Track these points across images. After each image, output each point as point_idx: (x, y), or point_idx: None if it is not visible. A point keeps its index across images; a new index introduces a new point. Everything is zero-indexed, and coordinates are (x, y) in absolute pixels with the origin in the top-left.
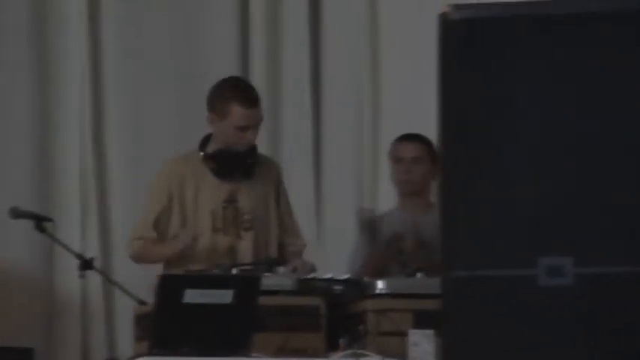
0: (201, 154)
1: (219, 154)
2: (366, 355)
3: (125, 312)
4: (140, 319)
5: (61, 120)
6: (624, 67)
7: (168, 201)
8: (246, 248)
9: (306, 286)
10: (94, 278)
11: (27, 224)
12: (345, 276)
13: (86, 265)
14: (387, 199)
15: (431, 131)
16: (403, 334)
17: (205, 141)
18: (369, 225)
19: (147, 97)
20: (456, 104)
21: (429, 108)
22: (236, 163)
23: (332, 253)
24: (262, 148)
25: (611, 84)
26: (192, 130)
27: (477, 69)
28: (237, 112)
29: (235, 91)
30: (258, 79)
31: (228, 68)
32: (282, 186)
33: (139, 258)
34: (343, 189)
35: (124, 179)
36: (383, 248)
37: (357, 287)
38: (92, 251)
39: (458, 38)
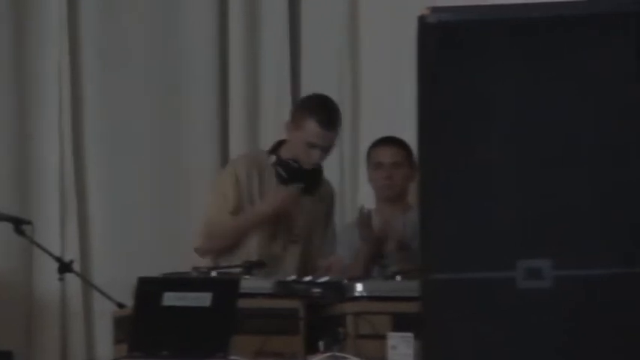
0: (273, 157)
1: (289, 164)
2: (345, 358)
3: (104, 315)
4: (119, 322)
5: (39, 122)
6: (598, 66)
7: (236, 199)
8: (289, 261)
9: (285, 289)
10: (73, 281)
11: (5, 227)
12: (325, 279)
13: (65, 268)
14: (366, 200)
15: (411, 132)
16: (382, 337)
17: (277, 146)
18: (367, 224)
19: (126, 98)
20: (434, 106)
21: (408, 108)
22: (302, 177)
23: None
24: (241, 149)
25: (589, 83)
26: (171, 131)
27: (454, 71)
28: (311, 128)
29: (317, 109)
30: (237, 80)
31: (207, 68)
32: (333, 211)
33: (210, 237)
34: None
35: (103, 182)
36: (373, 247)
37: (336, 290)
38: (71, 254)
39: (435, 40)
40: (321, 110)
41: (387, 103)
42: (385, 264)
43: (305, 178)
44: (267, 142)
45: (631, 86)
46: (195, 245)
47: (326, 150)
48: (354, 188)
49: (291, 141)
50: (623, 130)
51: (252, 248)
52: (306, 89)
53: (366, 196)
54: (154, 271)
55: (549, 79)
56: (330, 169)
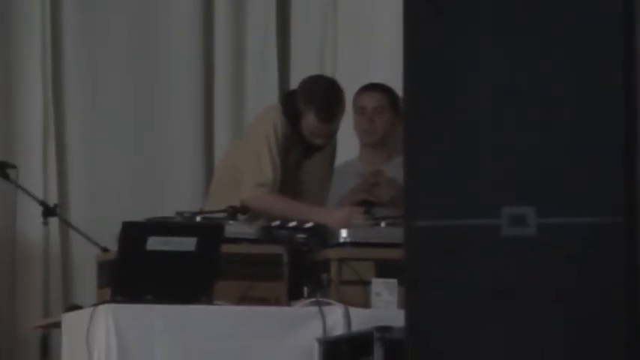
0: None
1: (299, 137)
2: (328, 304)
3: (88, 259)
4: (102, 267)
5: (23, 74)
6: (580, 23)
7: (277, 150)
8: None
9: (269, 235)
10: (53, 226)
11: None
12: (309, 224)
13: (49, 212)
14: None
15: None
16: (366, 284)
17: (288, 99)
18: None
19: (107, 53)
20: (420, 57)
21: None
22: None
23: None
24: (226, 137)
25: (576, 37)
26: (148, 91)
27: (440, 22)
28: (311, 121)
29: (318, 100)
30: (222, 63)
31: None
32: (334, 160)
33: (262, 207)
34: None
35: (84, 127)
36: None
37: (321, 236)
38: (52, 200)
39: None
40: (322, 103)
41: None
42: (373, 212)
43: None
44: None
45: (610, 42)
46: (246, 196)
47: (329, 136)
48: None
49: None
50: (606, 80)
51: None
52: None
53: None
54: (131, 216)
55: (538, 30)
56: None
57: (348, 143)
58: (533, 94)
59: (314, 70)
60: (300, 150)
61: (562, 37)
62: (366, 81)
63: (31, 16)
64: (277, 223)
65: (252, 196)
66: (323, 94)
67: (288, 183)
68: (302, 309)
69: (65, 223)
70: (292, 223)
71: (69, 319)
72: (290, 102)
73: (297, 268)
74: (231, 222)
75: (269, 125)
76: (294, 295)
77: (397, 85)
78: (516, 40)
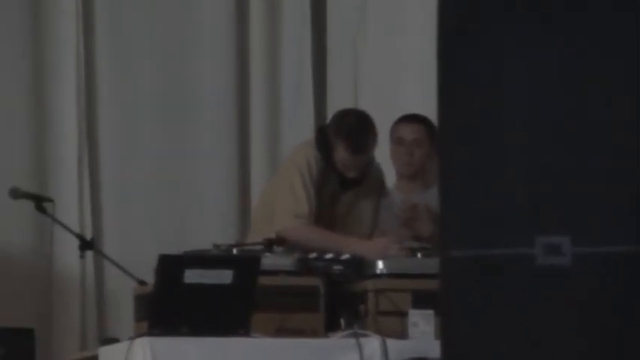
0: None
1: (333, 170)
2: (365, 335)
3: (123, 292)
4: (140, 299)
5: (58, 106)
6: (614, 42)
7: (311, 183)
8: None
9: (306, 266)
10: (89, 259)
11: (26, 205)
12: (346, 256)
13: (86, 245)
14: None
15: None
16: (403, 314)
17: (321, 136)
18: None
19: (139, 91)
20: (454, 81)
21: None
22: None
23: None
24: (264, 136)
25: (619, 56)
26: (184, 121)
27: (475, 44)
28: (341, 154)
29: (347, 134)
30: (257, 71)
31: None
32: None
33: (298, 238)
34: None
35: (117, 164)
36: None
37: (357, 267)
38: (87, 232)
39: (457, 14)
40: (351, 134)
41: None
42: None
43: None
44: (287, 138)
45: None
46: (281, 227)
47: (362, 167)
48: None
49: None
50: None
51: None
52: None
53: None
54: (165, 249)
55: (568, 54)
56: None
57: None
58: (570, 120)
59: (349, 98)
60: (336, 184)
61: (603, 56)
62: (397, 109)
63: (64, 49)
64: (314, 254)
65: (289, 227)
66: (352, 126)
67: (325, 218)
68: (339, 340)
69: (103, 256)
70: (329, 255)
71: (106, 353)
72: (322, 136)
73: (333, 300)
74: (267, 254)
75: (302, 160)
76: (331, 327)
77: (429, 110)
78: (554, 60)
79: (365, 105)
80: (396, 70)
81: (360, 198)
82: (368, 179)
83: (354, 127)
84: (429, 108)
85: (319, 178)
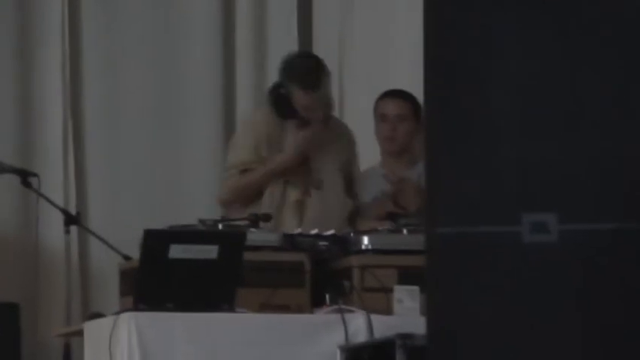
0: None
1: (282, 96)
2: (350, 311)
3: (108, 268)
4: (125, 275)
5: (42, 82)
6: (610, 17)
7: (255, 151)
8: (314, 206)
9: (291, 242)
10: (74, 234)
11: (11, 179)
12: (331, 232)
13: (72, 220)
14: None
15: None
16: (388, 291)
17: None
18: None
19: (127, 62)
20: (441, 56)
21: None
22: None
23: None
24: (249, 105)
25: (603, 40)
26: (170, 97)
27: (464, 20)
28: (299, 95)
29: (298, 75)
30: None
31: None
32: (355, 153)
33: (233, 192)
34: None
35: (103, 137)
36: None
37: (342, 243)
38: (72, 207)
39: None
40: (301, 72)
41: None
42: (400, 223)
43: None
44: None
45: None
46: (220, 197)
47: (324, 104)
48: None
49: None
50: (633, 81)
51: (273, 197)
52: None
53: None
54: (150, 224)
55: (569, 30)
56: None
57: (369, 149)
58: (557, 98)
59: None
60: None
61: (588, 40)
62: (385, 82)
63: (50, 26)
64: (299, 230)
65: (220, 192)
66: (299, 65)
67: (300, 175)
68: (324, 316)
69: (88, 231)
70: (314, 231)
71: (91, 328)
72: (276, 93)
73: (319, 276)
74: (253, 229)
75: (245, 119)
76: (316, 303)
77: (418, 85)
78: (542, 43)
79: (352, 93)
80: (382, 58)
81: (333, 155)
82: (331, 131)
83: (301, 65)
84: (417, 90)
85: (275, 132)
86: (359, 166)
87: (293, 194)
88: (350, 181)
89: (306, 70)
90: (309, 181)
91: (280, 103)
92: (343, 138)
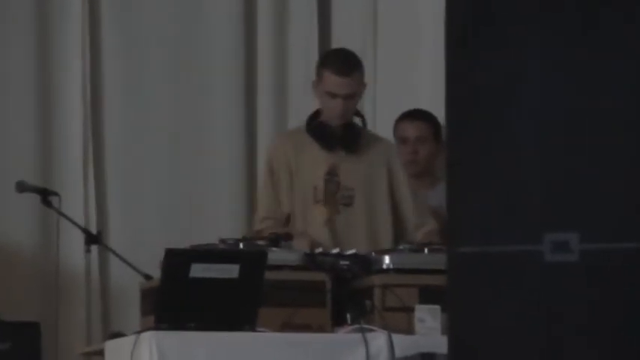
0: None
1: (318, 125)
2: (372, 330)
3: (128, 287)
4: (146, 294)
5: (63, 100)
6: (629, 41)
7: (273, 183)
8: (344, 223)
9: (312, 261)
10: (95, 253)
11: (31, 198)
12: (352, 251)
13: (92, 239)
14: None
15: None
16: (409, 310)
17: (314, 115)
18: None
19: (147, 79)
20: (463, 80)
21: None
22: (334, 135)
23: None
24: (270, 125)
25: (628, 61)
26: (190, 114)
27: (485, 45)
28: (328, 78)
29: (332, 58)
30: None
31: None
32: (397, 167)
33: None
34: None
35: (121, 160)
36: None
37: (364, 263)
38: (92, 227)
39: (466, 14)
40: (336, 59)
41: (403, 81)
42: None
43: (340, 135)
44: (294, 120)
45: None
46: (255, 230)
47: (348, 98)
48: None
49: (317, 98)
50: None
51: (305, 216)
52: None
53: None
54: (171, 244)
55: (580, 54)
56: None
57: None
58: (581, 116)
59: None
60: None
61: (612, 60)
62: (408, 101)
63: (69, 45)
64: (320, 250)
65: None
66: (336, 53)
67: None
68: (345, 336)
69: (109, 250)
70: (335, 250)
71: (112, 347)
72: (314, 124)
73: (340, 295)
74: (274, 249)
75: (266, 160)
76: (337, 322)
77: (439, 101)
78: (565, 62)
79: (380, 96)
80: (407, 66)
81: (364, 169)
82: (368, 148)
83: (338, 53)
84: (441, 104)
85: (294, 154)
86: (401, 175)
87: (322, 213)
88: (393, 191)
89: (341, 58)
90: (338, 199)
91: (320, 133)
92: (380, 151)
